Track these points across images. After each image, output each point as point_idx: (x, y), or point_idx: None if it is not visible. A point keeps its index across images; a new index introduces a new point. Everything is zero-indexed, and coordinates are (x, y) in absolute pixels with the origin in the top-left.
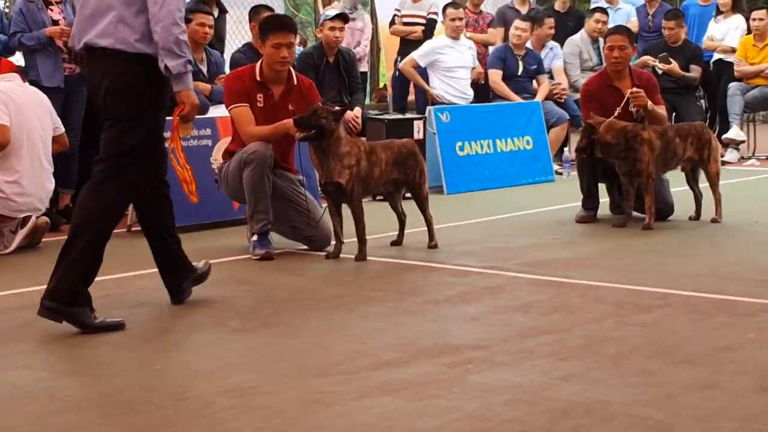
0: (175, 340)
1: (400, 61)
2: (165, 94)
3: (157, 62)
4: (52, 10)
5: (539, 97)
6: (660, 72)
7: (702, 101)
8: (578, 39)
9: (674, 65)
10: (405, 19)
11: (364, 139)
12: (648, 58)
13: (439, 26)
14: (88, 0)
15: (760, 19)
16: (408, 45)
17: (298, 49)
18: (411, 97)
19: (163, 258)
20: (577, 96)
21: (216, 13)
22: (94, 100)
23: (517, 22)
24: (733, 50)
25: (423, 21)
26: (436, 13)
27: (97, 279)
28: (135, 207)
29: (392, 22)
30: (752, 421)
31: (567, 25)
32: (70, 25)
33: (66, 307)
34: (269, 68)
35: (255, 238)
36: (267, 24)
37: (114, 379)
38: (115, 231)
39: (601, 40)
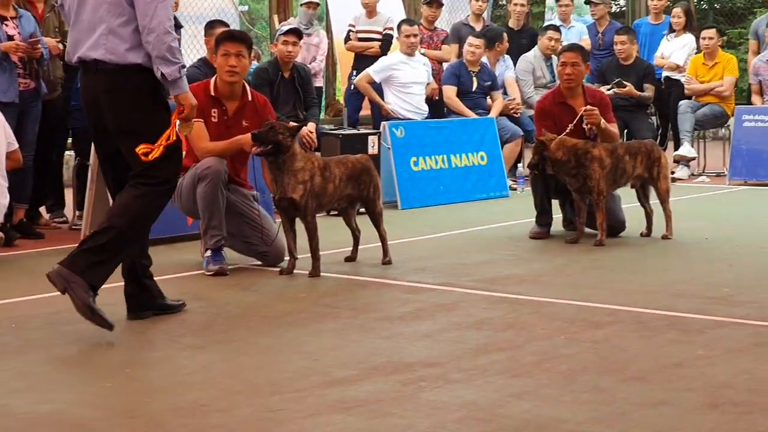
0: (127, 356)
1: (356, 77)
2: (165, 99)
3: (151, 71)
4: (6, 25)
5: (493, 113)
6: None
7: (653, 118)
8: (531, 56)
9: (630, 87)
10: (360, 35)
11: (318, 154)
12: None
13: (394, 42)
14: (81, 15)
15: (710, 38)
16: (364, 60)
17: (255, 64)
18: (366, 112)
19: (132, 273)
20: (532, 112)
21: None
22: (91, 113)
23: (471, 39)
24: (678, 67)
25: (379, 36)
26: (392, 29)
27: (48, 295)
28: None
29: (347, 38)
30: None
31: (521, 42)
32: (24, 40)
33: (75, 276)
34: (221, 81)
35: (209, 253)
36: (219, 36)
37: (66, 396)
38: (68, 246)
39: (554, 57)
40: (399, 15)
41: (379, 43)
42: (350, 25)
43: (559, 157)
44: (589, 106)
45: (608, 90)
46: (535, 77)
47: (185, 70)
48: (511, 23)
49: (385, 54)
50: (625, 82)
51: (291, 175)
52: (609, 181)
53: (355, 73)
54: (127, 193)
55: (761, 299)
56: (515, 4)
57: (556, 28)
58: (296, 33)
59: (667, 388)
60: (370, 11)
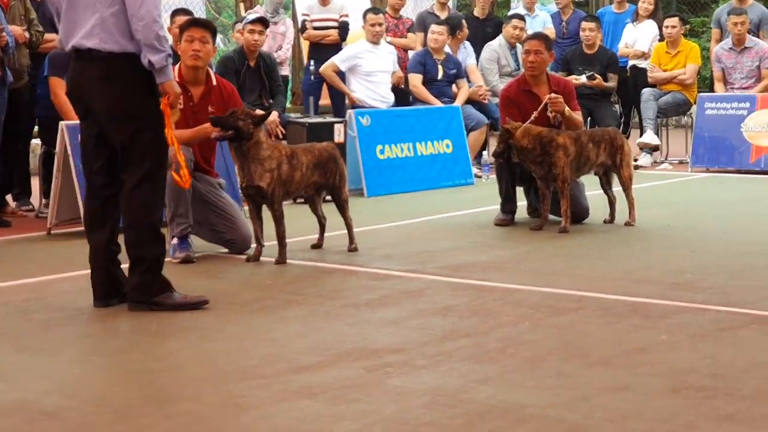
0: (94, 344)
1: (313, 66)
2: (155, 86)
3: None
4: None
5: (459, 101)
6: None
7: (617, 106)
8: (496, 45)
9: (599, 80)
10: (315, 24)
11: (285, 143)
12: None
13: (356, 30)
14: (74, 3)
15: (673, 27)
16: (322, 49)
17: (221, 51)
18: (325, 101)
19: (99, 259)
20: (497, 100)
21: None
22: (84, 100)
23: (434, 27)
24: (645, 55)
25: (335, 24)
26: (347, 15)
27: (16, 282)
28: (93, 199)
29: (303, 28)
30: (664, 422)
31: (486, 31)
32: None
33: (148, 296)
34: (185, 67)
35: (175, 241)
36: (184, 23)
37: (34, 385)
38: (35, 234)
39: (519, 46)
40: (365, 3)
41: (336, 30)
42: (304, 15)
43: (525, 145)
44: (553, 94)
45: (580, 82)
46: (500, 65)
47: (171, 58)
48: (477, 12)
49: (344, 41)
50: (596, 75)
51: (257, 163)
52: (573, 169)
53: (312, 63)
54: (127, 203)
55: (723, 285)
56: None
57: (521, 17)
58: (262, 22)
59: (630, 374)
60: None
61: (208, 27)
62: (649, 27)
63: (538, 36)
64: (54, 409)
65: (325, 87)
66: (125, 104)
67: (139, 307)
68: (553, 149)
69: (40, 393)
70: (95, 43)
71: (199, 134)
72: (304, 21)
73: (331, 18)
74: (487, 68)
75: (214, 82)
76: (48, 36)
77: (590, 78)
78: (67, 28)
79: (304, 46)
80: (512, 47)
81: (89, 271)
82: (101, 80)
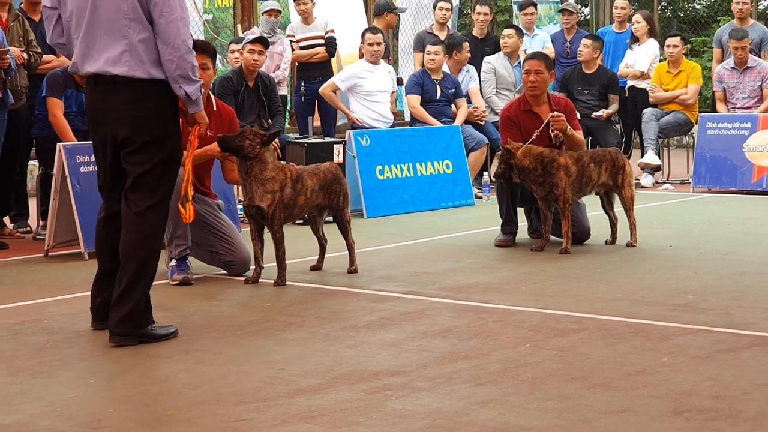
0: (91, 367)
1: (303, 86)
2: (178, 115)
3: (167, 85)
4: None
5: (458, 121)
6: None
7: (617, 126)
8: (494, 58)
9: (611, 109)
10: (301, 44)
11: (292, 164)
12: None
13: (347, 51)
14: (94, 28)
15: (674, 46)
16: (311, 69)
17: (220, 72)
18: (316, 123)
19: (102, 283)
20: (495, 118)
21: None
22: (102, 125)
23: (429, 47)
24: (642, 74)
25: (321, 41)
26: (332, 31)
27: (12, 305)
28: (107, 223)
29: (292, 49)
30: None
31: (485, 51)
32: None
33: (131, 329)
34: None
35: (173, 263)
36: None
37: (30, 407)
38: (32, 255)
39: (521, 57)
40: (350, 17)
41: (324, 48)
42: (288, 36)
43: (526, 165)
44: (555, 112)
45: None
46: (498, 76)
47: (202, 89)
48: (475, 32)
49: (332, 57)
50: (606, 111)
51: (259, 184)
52: (575, 189)
53: (302, 84)
54: (132, 227)
55: (725, 306)
56: (479, 13)
57: (513, 27)
58: (262, 42)
59: (632, 395)
60: (306, 17)
61: (207, 52)
62: (650, 46)
63: (538, 56)
64: (49, 431)
65: (316, 109)
66: (154, 129)
67: (127, 341)
68: (554, 169)
69: (35, 415)
70: (123, 70)
71: (204, 155)
72: (290, 42)
73: (317, 36)
74: (483, 81)
75: (215, 107)
76: (46, 57)
77: (598, 115)
78: (84, 52)
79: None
80: (513, 60)
81: (88, 292)
82: (132, 105)
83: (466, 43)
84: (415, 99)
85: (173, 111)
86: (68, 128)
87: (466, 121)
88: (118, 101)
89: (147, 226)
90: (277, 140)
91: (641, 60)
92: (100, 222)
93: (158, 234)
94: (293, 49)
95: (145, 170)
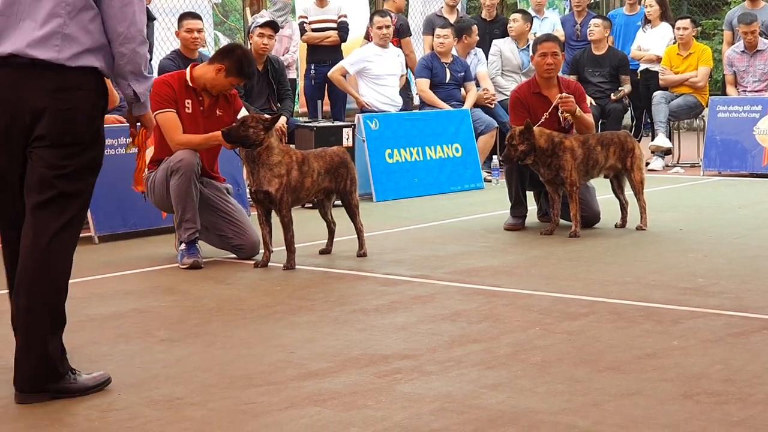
0: (102, 350)
1: (313, 69)
2: (105, 109)
3: (99, 73)
4: None
5: (467, 105)
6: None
7: (629, 109)
8: (501, 41)
9: (625, 89)
10: (314, 26)
11: (293, 147)
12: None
13: (355, 35)
14: (18, 3)
15: (684, 29)
16: (321, 52)
17: None
18: (325, 107)
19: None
20: (503, 98)
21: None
22: (19, 115)
23: (438, 30)
24: (659, 59)
25: (334, 25)
26: (345, 16)
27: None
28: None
29: (302, 31)
30: (675, 427)
31: (494, 33)
32: None
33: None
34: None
35: (183, 247)
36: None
37: None
38: None
39: (530, 41)
40: (363, 3)
41: (336, 31)
42: (301, 17)
43: (542, 145)
44: (564, 94)
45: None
46: (504, 58)
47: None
48: (484, 14)
49: (344, 41)
50: (621, 89)
51: (267, 169)
52: (581, 172)
53: (312, 67)
54: (40, 255)
55: (735, 290)
56: None
57: (521, 11)
58: (272, 26)
59: (642, 379)
60: (321, 0)
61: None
62: (664, 30)
63: (552, 38)
64: (59, 414)
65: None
66: (81, 128)
67: (37, 398)
68: (561, 152)
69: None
70: (50, 55)
71: (209, 141)
72: (302, 23)
73: (330, 19)
74: (490, 63)
75: None
76: None
77: (617, 93)
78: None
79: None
80: (520, 44)
81: (99, 276)
82: (56, 94)
83: (475, 27)
84: (425, 83)
85: (101, 106)
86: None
87: (476, 105)
88: (43, 88)
89: (61, 249)
90: (284, 124)
91: (656, 44)
92: (7, 257)
93: (70, 254)
94: (305, 31)
95: (59, 176)
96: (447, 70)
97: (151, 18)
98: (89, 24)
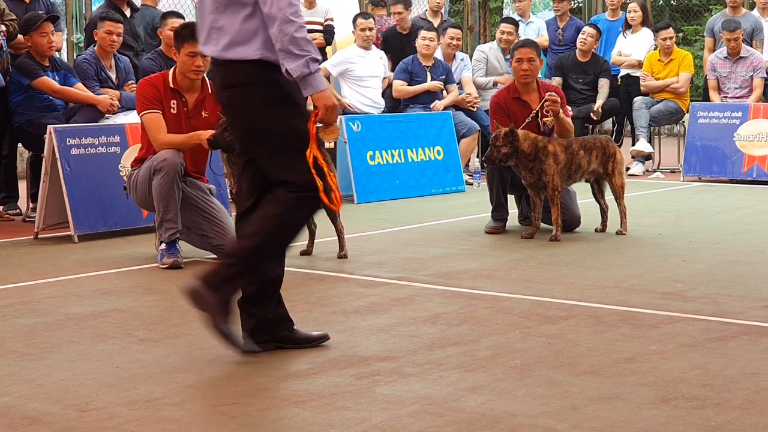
0: (81, 350)
1: None
2: (295, 99)
3: (273, 65)
4: None
5: (446, 102)
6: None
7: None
8: (487, 47)
9: (601, 98)
10: None
11: None
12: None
13: (343, 36)
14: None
15: (670, 38)
16: None
17: None
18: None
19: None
20: (486, 103)
21: (128, 12)
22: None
23: (424, 33)
24: (640, 64)
25: (320, 28)
26: (332, 19)
27: (1, 287)
28: None
29: None
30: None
31: (412, 45)
32: None
33: (210, 295)
34: (183, 76)
35: (163, 246)
36: (182, 33)
37: (18, 390)
38: (22, 238)
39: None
40: (351, 6)
41: (321, 34)
42: None
43: (525, 149)
44: (552, 93)
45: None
46: (490, 66)
47: (318, 64)
48: (399, 28)
49: (329, 45)
50: (597, 110)
51: None
52: (563, 177)
53: None
54: (265, 206)
55: (714, 295)
56: (395, 12)
57: (510, 21)
58: None
59: (620, 383)
60: (309, 2)
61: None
62: (645, 35)
63: (529, 44)
64: (36, 414)
65: None
66: (251, 117)
67: (195, 300)
68: (544, 156)
69: (24, 397)
70: (211, 50)
71: (191, 140)
72: None
73: (316, 21)
74: (474, 69)
75: (210, 90)
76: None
77: (595, 113)
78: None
79: None
80: (505, 51)
81: (78, 275)
82: (223, 90)
83: (455, 30)
84: (401, 84)
85: (279, 97)
86: (78, 91)
87: (458, 108)
88: (216, 86)
89: (276, 215)
90: None
91: (637, 49)
92: None
93: (285, 222)
94: None
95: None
96: (428, 73)
97: (134, 9)
98: (237, 15)
